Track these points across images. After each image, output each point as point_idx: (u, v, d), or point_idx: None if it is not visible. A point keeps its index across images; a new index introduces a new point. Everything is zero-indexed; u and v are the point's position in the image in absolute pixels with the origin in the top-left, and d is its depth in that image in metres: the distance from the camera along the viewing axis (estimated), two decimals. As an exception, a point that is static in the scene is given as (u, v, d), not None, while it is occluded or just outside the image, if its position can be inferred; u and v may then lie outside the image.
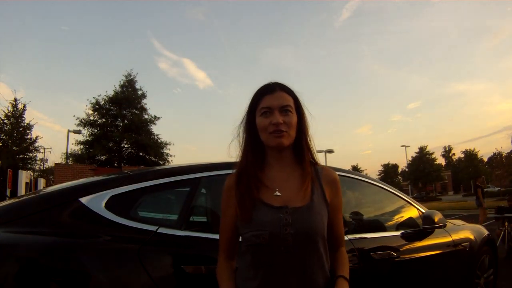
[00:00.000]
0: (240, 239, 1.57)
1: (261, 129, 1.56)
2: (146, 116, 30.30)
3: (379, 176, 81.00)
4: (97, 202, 2.03)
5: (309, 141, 1.66)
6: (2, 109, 28.35)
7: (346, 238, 2.60)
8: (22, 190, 18.38)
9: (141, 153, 29.50)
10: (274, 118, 1.53)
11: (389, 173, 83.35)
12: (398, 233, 3.08)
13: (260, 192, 1.54)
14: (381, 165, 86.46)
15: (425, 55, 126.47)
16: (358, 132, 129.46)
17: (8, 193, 16.62)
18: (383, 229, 3.35)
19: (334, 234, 1.66)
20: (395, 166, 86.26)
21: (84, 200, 2.02)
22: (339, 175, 3.08)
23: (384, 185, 3.51)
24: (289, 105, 1.57)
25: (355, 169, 71.62)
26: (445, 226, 3.31)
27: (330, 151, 34.72)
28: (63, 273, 1.78)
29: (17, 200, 2.28)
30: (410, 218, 3.38)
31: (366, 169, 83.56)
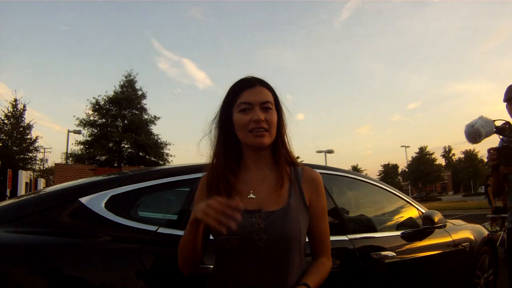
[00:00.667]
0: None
1: (240, 126, 1.45)
2: (146, 116, 30.35)
3: (379, 176, 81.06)
4: (97, 202, 2.03)
5: (286, 140, 1.56)
6: (2, 109, 28.41)
7: (345, 238, 2.60)
8: (22, 190, 18.36)
9: (141, 153, 29.53)
10: (256, 115, 1.42)
11: (389, 173, 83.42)
12: (398, 233, 3.08)
13: (232, 196, 1.41)
14: (381, 165, 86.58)
15: (425, 55, 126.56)
16: (358, 132, 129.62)
17: (8, 193, 16.60)
18: (383, 229, 3.35)
19: (315, 241, 1.54)
20: (395, 166, 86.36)
21: (84, 200, 2.02)
22: (339, 175, 3.12)
23: (384, 185, 3.51)
24: (269, 102, 1.47)
25: (355, 169, 71.61)
26: (445, 226, 3.31)
27: (330, 151, 34.70)
28: (63, 273, 1.78)
29: (17, 200, 2.28)
30: (410, 218, 3.38)
31: (366, 170, 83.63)
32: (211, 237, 1.50)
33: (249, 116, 1.43)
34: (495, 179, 2.95)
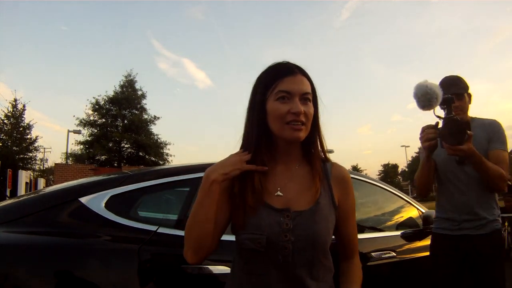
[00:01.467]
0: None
1: (276, 116, 1.30)
2: (146, 116, 30.36)
3: (379, 176, 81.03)
4: (97, 202, 2.03)
5: (322, 136, 1.42)
6: (2, 109, 28.42)
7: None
8: (22, 190, 18.37)
9: (141, 153, 29.55)
10: (295, 107, 1.28)
11: (389, 173, 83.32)
12: (398, 233, 3.08)
13: (259, 193, 1.31)
14: (381, 165, 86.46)
15: (425, 55, 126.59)
16: (358, 132, 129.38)
17: (8, 193, 16.61)
18: (383, 229, 3.36)
19: (345, 242, 1.45)
20: (395, 166, 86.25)
21: (84, 200, 2.02)
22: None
23: (384, 185, 3.51)
24: (309, 93, 1.33)
25: (355, 169, 71.62)
26: (445, 226, 3.31)
27: (330, 151, 34.43)
28: (63, 273, 1.78)
29: (17, 200, 2.28)
30: (410, 218, 3.38)
31: (366, 169, 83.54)
32: (227, 238, 1.40)
33: (287, 106, 1.29)
34: (425, 170, 2.53)
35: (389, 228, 3.42)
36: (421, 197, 2.89)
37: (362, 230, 3.12)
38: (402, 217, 3.51)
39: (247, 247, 1.28)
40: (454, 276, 2.50)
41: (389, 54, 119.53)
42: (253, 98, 1.39)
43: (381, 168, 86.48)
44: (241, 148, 1.40)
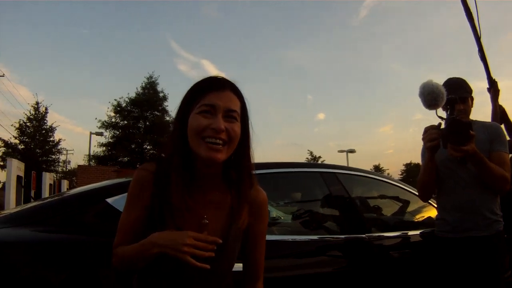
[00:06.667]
0: None
1: (195, 130, 1.19)
2: (167, 118, 30.52)
3: (401, 176, 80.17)
4: (122, 202, 2.09)
5: (251, 163, 1.32)
6: (24, 112, 28.91)
7: (364, 236, 2.63)
8: (46, 192, 18.66)
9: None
10: (216, 122, 1.18)
11: (411, 172, 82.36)
12: (417, 232, 3.09)
13: (185, 217, 1.22)
14: (403, 165, 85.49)
15: (445, 52, 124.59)
16: (380, 131, 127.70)
17: (32, 194, 16.90)
18: (402, 228, 3.36)
19: (250, 265, 1.41)
20: (418, 166, 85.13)
21: (110, 200, 2.09)
22: (359, 175, 3.15)
23: (404, 185, 3.52)
24: (236, 111, 1.23)
25: (377, 168, 70.97)
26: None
27: (352, 151, 34.45)
28: (90, 270, 1.85)
29: (46, 201, 2.37)
30: (430, 218, 3.38)
31: (388, 169, 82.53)
32: None
33: (208, 121, 1.19)
34: (428, 171, 2.51)
35: (409, 228, 3.43)
36: (424, 201, 2.91)
37: (380, 229, 3.14)
38: (422, 216, 3.51)
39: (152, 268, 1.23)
40: (457, 282, 2.47)
41: (409, 53, 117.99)
42: (177, 113, 1.30)
43: (403, 168, 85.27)
44: (168, 157, 1.28)
